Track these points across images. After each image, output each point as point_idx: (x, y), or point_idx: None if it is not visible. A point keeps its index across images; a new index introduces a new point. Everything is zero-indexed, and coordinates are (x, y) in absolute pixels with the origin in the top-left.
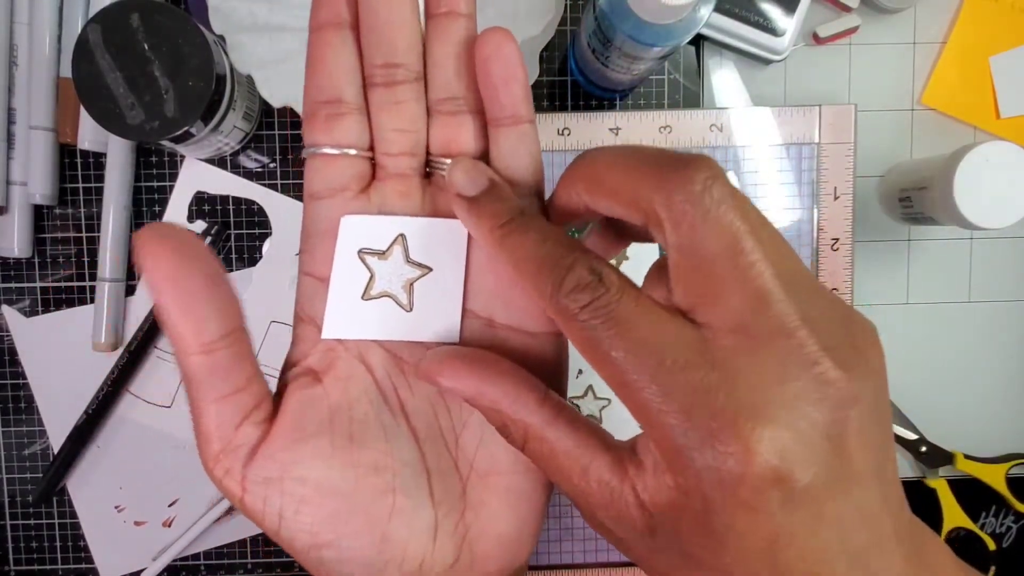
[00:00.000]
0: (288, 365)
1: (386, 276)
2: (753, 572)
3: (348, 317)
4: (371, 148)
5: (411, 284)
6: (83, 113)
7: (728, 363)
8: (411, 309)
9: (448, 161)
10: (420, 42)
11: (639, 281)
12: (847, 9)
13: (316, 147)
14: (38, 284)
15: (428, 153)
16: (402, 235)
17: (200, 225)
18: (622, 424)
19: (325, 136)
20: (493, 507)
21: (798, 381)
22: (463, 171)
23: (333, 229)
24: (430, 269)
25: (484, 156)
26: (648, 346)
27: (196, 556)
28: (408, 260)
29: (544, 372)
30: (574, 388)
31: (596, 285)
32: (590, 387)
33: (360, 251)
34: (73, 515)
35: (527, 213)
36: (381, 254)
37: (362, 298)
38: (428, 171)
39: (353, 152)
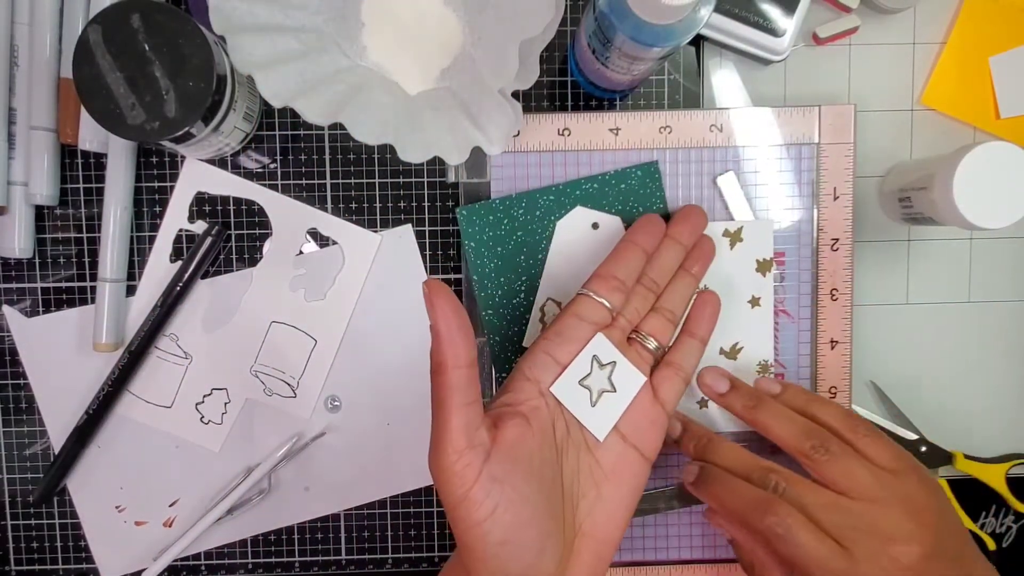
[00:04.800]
0: (503, 403)
1: (595, 379)
2: None
3: (568, 389)
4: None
5: (602, 393)
6: (84, 113)
7: (852, 563)
8: (594, 406)
9: (650, 338)
10: (670, 276)
11: None
12: (847, 9)
13: (595, 293)
14: (39, 284)
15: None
16: (615, 362)
17: (200, 225)
18: None
19: (604, 292)
20: (585, 560)
21: (886, 561)
22: (713, 378)
23: (580, 339)
24: (615, 391)
25: (664, 350)
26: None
27: (197, 556)
28: (610, 379)
29: (640, 477)
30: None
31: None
32: (594, 357)
33: (594, 356)
34: (74, 515)
35: (764, 398)
36: (603, 366)
37: (579, 383)
38: (629, 338)
39: (608, 306)
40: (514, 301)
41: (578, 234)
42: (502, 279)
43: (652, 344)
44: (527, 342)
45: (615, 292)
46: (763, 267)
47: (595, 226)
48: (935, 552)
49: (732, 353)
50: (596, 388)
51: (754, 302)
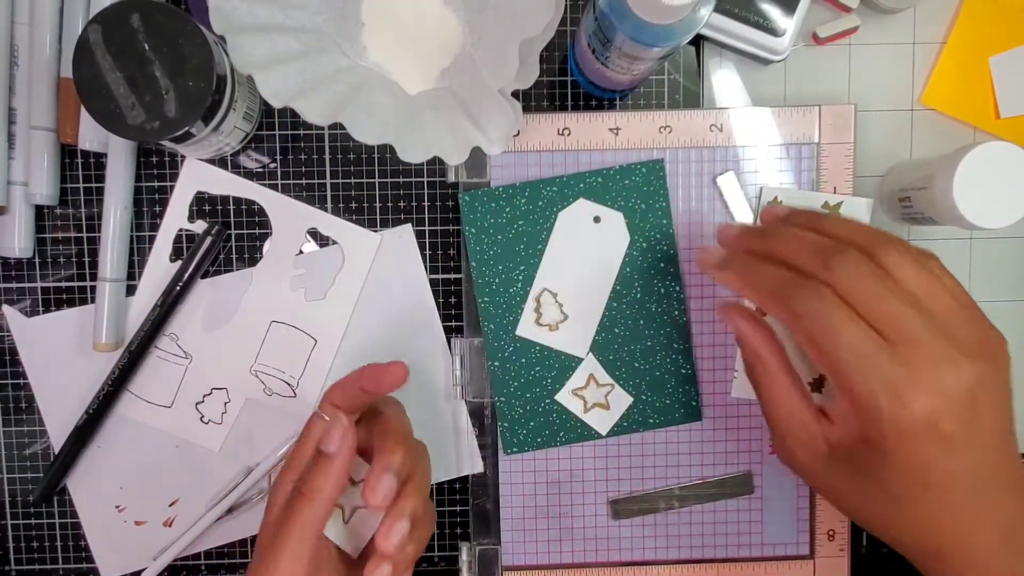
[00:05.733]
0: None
1: (347, 497)
2: (906, 485)
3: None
4: None
5: (355, 509)
6: (84, 113)
7: (903, 364)
8: (347, 522)
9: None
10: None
11: None
12: (847, 9)
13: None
14: (39, 284)
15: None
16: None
17: (200, 225)
18: (625, 403)
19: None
20: None
21: (945, 370)
22: (708, 253)
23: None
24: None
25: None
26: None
27: (196, 556)
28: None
29: None
30: (576, 380)
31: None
32: (591, 375)
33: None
34: (74, 515)
35: (761, 230)
36: (355, 483)
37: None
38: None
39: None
40: (511, 290)
41: (580, 226)
42: (500, 267)
43: None
44: (520, 331)
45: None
46: None
47: (597, 219)
48: (998, 386)
49: None
50: (349, 506)
51: None
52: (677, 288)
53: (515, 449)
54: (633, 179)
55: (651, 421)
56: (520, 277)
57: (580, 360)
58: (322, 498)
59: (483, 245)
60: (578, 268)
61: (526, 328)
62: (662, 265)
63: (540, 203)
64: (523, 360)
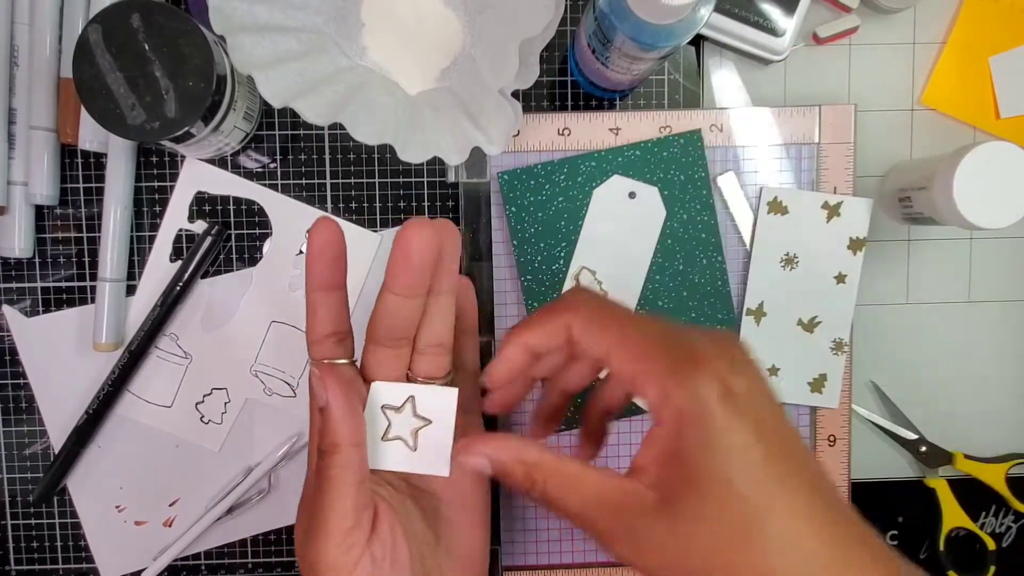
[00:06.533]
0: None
1: (400, 424)
2: (723, 464)
3: (372, 454)
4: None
5: (416, 431)
6: (84, 113)
7: (689, 340)
8: (415, 449)
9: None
10: (408, 323)
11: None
12: (847, 9)
13: (327, 358)
14: (38, 284)
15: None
16: (412, 396)
17: (200, 225)
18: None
19: (329, 352)
20: None
21: (720, 345)
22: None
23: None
24: (430, 421)
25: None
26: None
27: (196, 556)
28: (415, 414)
29: (481, 487)
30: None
31: None
32: (383, 407)
33: (383, 406)
34: (74, 515)
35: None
36: (400, 408)
37: (382, 439)
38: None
39: (346, 361)
40: (553, 267)
41: (615, 203)
42: (542, 244)
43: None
44: None
45: (338, 345)
46: (855, 245)
47: (632, 195)
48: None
49: (809, 326)
50: (407, 432)
51: (840, 278)
52: (719, 258)
53: (564, 427)
54: (671, 150)
55: None
56: (562, 255)
57: None
58: (344, 448)
59: (524, 224)
60: (615, 245)
61: None
62: (703, 236)
63: (579, 179)
64: None
